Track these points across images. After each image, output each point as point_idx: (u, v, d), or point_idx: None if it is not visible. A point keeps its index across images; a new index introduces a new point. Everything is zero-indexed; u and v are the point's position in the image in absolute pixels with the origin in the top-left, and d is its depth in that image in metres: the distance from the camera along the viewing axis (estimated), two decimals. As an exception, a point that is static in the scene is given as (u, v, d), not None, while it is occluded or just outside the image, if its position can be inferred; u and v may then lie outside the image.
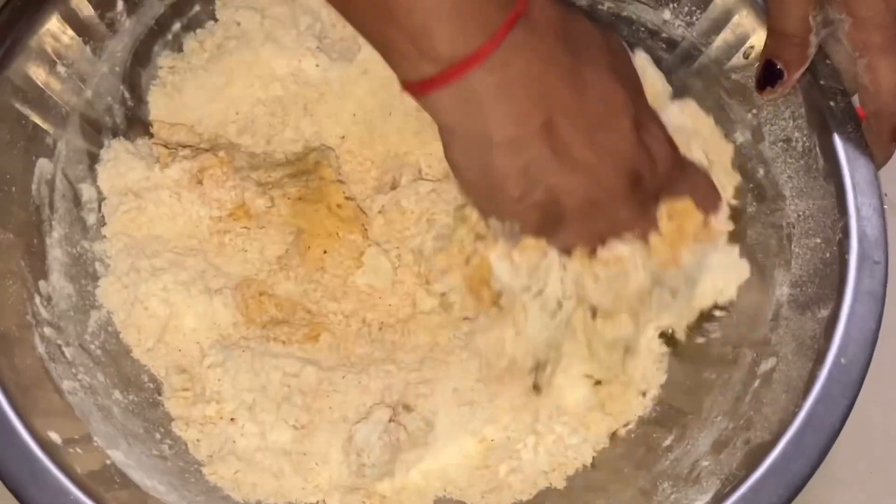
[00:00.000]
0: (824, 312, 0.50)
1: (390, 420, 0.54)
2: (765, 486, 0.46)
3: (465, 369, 0.55)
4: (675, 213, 0.51)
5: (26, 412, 0.48)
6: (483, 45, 0.45)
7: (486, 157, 0.48)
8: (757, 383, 0.52)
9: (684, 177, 0.52)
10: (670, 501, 0.49)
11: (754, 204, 0.58)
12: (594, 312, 0.52)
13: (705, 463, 0.50)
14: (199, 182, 0.58)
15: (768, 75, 0.55)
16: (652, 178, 0.50)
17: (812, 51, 0.53)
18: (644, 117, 0.50)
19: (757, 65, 0.56)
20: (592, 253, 0.50)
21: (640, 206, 0.50)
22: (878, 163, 0.53)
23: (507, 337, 0.53)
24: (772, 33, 0.54)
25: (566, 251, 0.50)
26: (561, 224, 0.49)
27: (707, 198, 0.53)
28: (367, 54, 0.61)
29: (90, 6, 0.58)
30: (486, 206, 0.51)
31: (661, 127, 0.52)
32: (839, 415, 0.48)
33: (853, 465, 0.60)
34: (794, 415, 0.48)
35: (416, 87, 0.47)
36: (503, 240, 0.51)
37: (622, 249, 0.50)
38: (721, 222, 0.54)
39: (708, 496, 0.47)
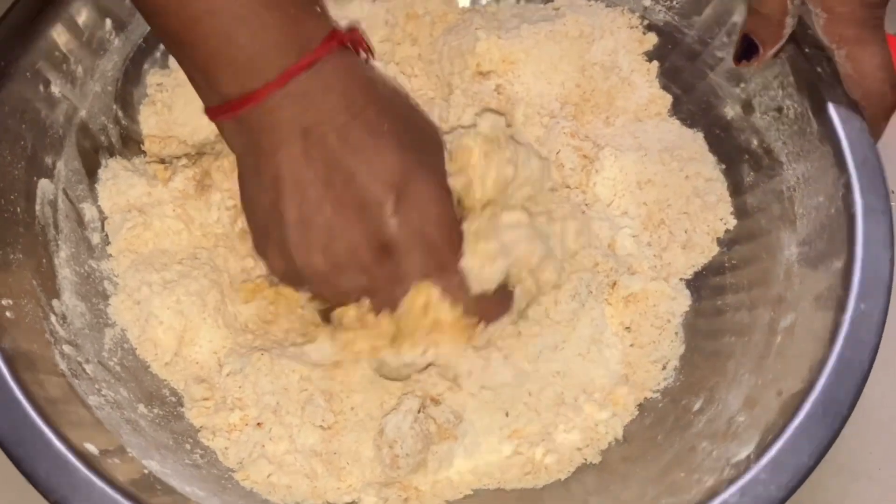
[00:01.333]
0: (838, 264, 0.52)
1: (419, 410, 0.53)
2: (807, 430, 0.47)
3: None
4: (411, 306, 0.52)
5: (59, 426, 0.46)
6: (260, 88, 0.49)
7: (255, 188, 0.52)
8: (779, 339, 0.53)
9: (457, 268, 0.53)
10: (713, 458, 0.49)
11: (751, 173, 0.59)
12: None
13: (741, 418, 0.50)
14: (204, 187, 0.58)
15: (745, 50, 0.57)
16: (406, 254, 0.51)
17: (787, 31, 0.55)
18: (417, 192, 0.51)
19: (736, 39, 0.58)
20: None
21: (388, 277, 0.52)
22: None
23: None
24: (751, 12, 0.56)
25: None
26: (304, 278, 0.52)
27: (483, 303, 0.54)
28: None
29: (80, 26, 0.58)
30: (251, 234, 0.55)
31: (437, 207, 0.52)
32: (868, 355, 0.48)
33: (862, 457, 0.60)
34: (824, 361, 0.49)
35: (209, 113, 0.52)
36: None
37: (318, 349, 0.54)
38: (484, 332, 0.54)
39: (750, 447, 0.48)
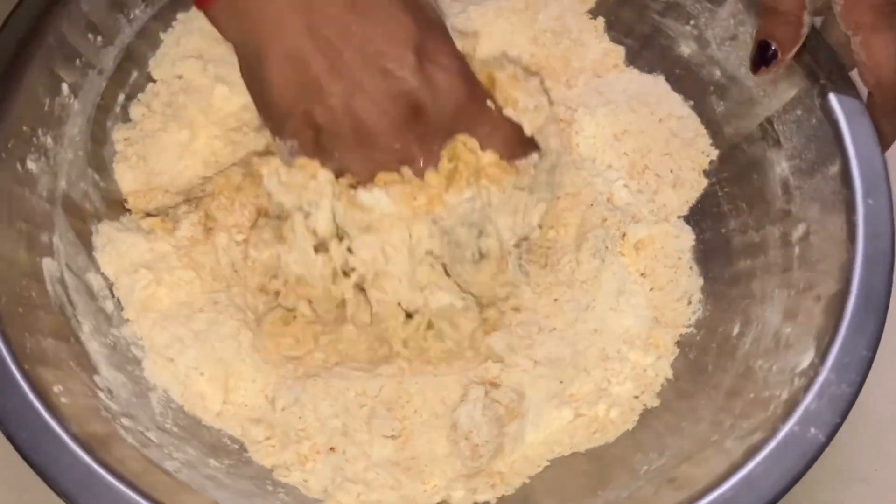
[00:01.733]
0: (834, 169, 0.55)
1: (485, 395, 0.54)
2: (857, 325, 0.50)
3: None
4: (454, 151, 0.52)
5: (161, 499, 0.45)
6: None
7: (264, 71, 0.50)
8: (797, 250, 0.55)
9: (485, 119, 0.53)
10: (775, 373, 0.52)
11: (721, 103, 0.62)
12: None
13: (787, 330, 0.53)
14: (208, 230, 0.57)
15: (763, 56, 0.55)
16: (435, 111, 0.51)
17: (805, 30, 0.54)
18: (434, 49, 0.51)
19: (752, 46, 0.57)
20: (367, 181, 0.51)
21: (420, 138, 0.51)
22: (886, 136, 0.54)
23: (282, 251, 0.55)
24: (765, 12, 0.55)
25: (340, 175, 0.52)
26: (335, 146, 0.51)
27: (508, 143, 0.53)
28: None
29: (39, 97, 0.55)
30: (269, 123, 0.53)
31: (456, 61, 0.52)
32: (888, 245, 0.51)
33: (858, 459, 0.61)
34: (852, 260, 0.52)
35: (200, 3, 0.50)
36: (279, 157, 0.53)
37: (374, 198, 0.51)
38: (522, 168, 0.54)
39: (811, 354, 0.50)
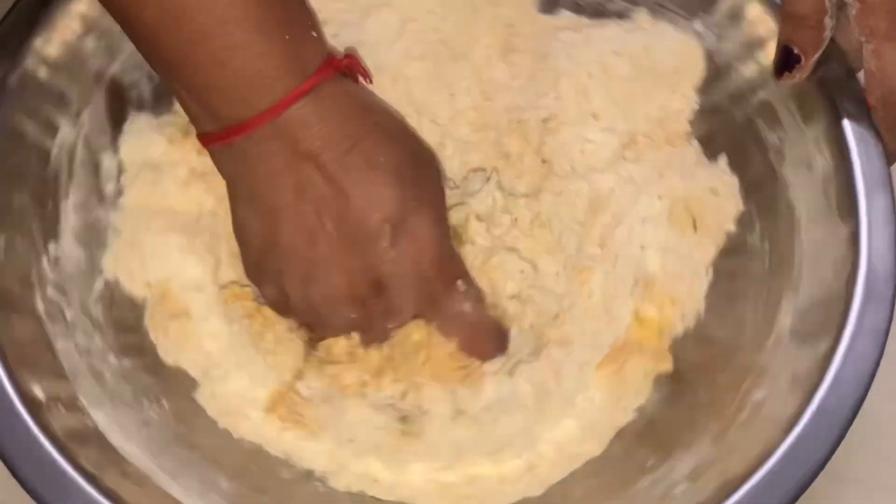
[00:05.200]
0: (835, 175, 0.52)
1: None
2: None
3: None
4: (407, 339, 0.53)
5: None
6: (256, 115, 0.49)
7: (245, 215, 0.53)
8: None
9: (450, 302, 0.53)
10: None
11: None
12: None
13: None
14: None
15: (785, 61, 0.53)
16: (401, 291, 0.52)
17: (828, 34, 0.52)
18: (415, 226, 0.51)
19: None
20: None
21: (381, 313, 0.52)
22: (890, 152, 0.51)
23: None
24: (786, 17, 0.53)
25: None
26: (296, 310, 0.53)
27: (475, 340, 0.54)
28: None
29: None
30: (243, 259, 0.55)
31: (433, 237, 0.52)
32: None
33: (859, 462, 0.61)
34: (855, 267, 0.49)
35: (202, 139, 0.52)
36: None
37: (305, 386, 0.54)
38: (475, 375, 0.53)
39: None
